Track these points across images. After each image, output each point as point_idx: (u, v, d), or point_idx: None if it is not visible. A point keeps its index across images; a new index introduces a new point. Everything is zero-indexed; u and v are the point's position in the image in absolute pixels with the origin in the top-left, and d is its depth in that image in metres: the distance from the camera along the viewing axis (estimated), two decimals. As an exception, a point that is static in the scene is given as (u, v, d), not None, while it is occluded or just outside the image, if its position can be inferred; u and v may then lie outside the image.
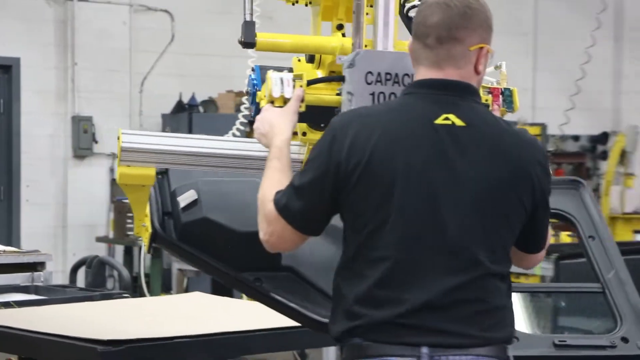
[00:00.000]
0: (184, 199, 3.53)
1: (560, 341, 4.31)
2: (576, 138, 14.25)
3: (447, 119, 2.80)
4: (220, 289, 9.22)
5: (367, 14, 3.30)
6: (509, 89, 3.36)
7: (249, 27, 3.46)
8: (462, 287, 2.76)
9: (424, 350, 2.70)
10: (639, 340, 4.25)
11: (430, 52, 2.85)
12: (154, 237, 3.48)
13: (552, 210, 4.19)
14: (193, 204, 3.53)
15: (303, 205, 2.77)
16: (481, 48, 2.86)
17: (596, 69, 13.51)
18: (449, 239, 2.78)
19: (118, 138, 3.31)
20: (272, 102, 3.14)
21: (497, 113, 3.26)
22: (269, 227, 2.83)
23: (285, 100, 3.12)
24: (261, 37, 3.43)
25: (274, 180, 2.88)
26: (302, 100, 3.13)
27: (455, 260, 2.78)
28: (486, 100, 3.25)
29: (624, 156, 13.93)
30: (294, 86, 3.15)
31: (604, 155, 14.27)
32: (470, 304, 2.78)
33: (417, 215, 2.78)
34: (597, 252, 4.39)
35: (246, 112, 7.89)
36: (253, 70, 3.34)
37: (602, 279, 4.33)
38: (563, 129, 13.38)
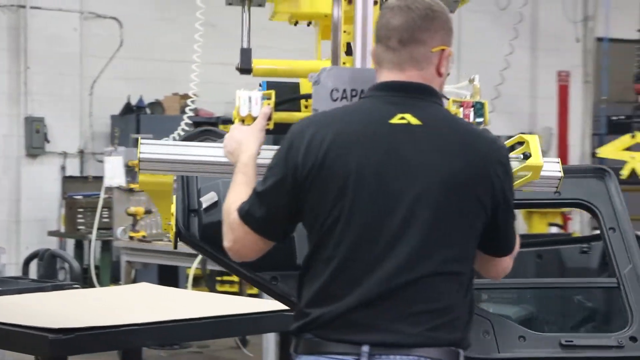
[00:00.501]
0: (205, 200, 3.48)
1: (567, 341, 4.02)
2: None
3: (402, 118, 2.71)
4: (166, 280, 9.22)
5: (344, 31, 3.25)
6: (480, 102, 3.25)
7: (245, 54, 3.39)
8: (409, 285, 2.64)
9: (364, 348, 2.60)
10: None
11: (393, 55, 2.77)
12: (177, 235, 3.45)
13: (575, 200, 4.18)
14: (214, 205, 3.46)
15: (265, 210, 2.68)
16: (443, 50, 2.79)
17: (514, 75, 13.74)
18: (398, 237, 2.66)
19: (137, 147, 3.22)
20: (242, 120, 3.07)
21: None
22: (233, 234, 2.73)
23: (254, 119, 3.04)
24: (257, 63, 3.39)
25: (238, 192, 2.78)
26: (270, 118, 3.05)
27: (404, 257, 2.65)
28: (456, 114, 3.13)
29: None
30: (262, 104, 3.07)
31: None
32: (417, 303, 2.65)
33: (368, 213, 2.68)
34: (616, 245, 4.05)
35: (191, 114, 7.89)
36: (260, 85, 3.24)
37: (619, 274, 4.00)
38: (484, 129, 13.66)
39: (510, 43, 13.17)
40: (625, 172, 10.16)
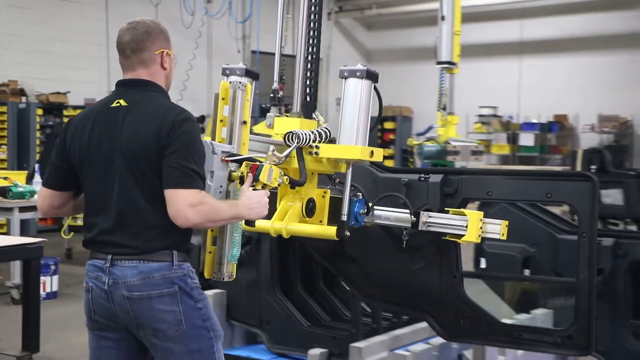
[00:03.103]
0: None
1: (518, 334, 3.90)
2: None
3: (118, 102, 2.92)
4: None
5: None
6: (262, 164, 3.05)
7: None
8: (126, 214, 2.83)
9: (109, 256, 2.87)
10: (582, 340, 3.70)
11: (127, 60, 2.98)
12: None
13: (564, 202, 4.10)
14: None
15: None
16: (162, 52, 3.00)
17: (196, 75, 15.35)
18: (116, 184, 2.85)
19: None
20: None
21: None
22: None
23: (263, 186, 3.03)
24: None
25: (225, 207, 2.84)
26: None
27: (121, 197, 2.84)
28: (242, 173, 2.97)
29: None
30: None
31: (203, 130, 14.60)
32: (134, 225, 2.83)
33: (95, 169, 2.91)
34: (583, 250, 3.70)
35: None
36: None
37: (577, 277, 3.72)
38: None
39: (192, 52, 15.16)
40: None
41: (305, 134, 3.43)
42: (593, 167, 14.18)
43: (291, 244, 5.56)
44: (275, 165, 3.15)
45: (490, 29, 17.50)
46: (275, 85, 3.65)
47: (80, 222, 12.46)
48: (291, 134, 3.41)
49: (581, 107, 16.52)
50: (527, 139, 16.55)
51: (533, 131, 16.59)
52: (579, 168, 14.16)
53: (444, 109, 9.26)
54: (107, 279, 2.84)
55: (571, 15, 16.94)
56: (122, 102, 2.90)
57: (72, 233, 8.98)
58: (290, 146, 3.46)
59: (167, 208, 2.74)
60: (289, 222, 3.55)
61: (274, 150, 3.31)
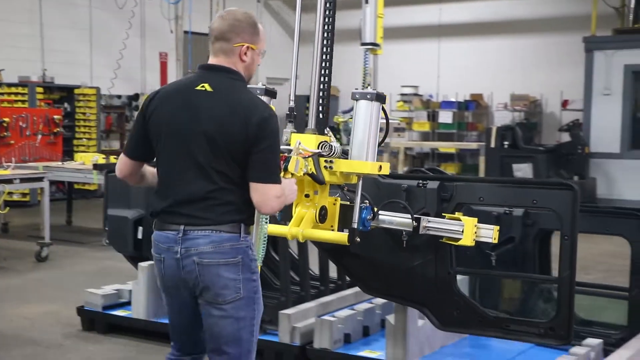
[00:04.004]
0: None
1: (506, 325, 4.10)
2: (119, 97, 15.38)
3: (202, 86, 2.99)
4: None
5: None
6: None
7: None
8: (202, 191, 2.96)
9: (181, 227, 2.98)
10: (562, 331, 3.90)
11: (212, 46, 3.08)
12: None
13: (548, 208, 4.08)
14: None
15: None
16: (242, 45, 3.05)
17: (130, 54, 15.24)
18: (195, 162, 2.96)
19: None
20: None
21: None
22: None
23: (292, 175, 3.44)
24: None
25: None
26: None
27: (198, 175, 2.95)
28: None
29: None
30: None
31: (137, 108, 15.22)
32: (209, 200, 2.96)
33: (174, 144, 2.99)
34: (565, 251, 3.88)
35: None
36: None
37: (559, 275, 3.91)
38: (110, 90, 14.99)
39: (126, 32, 15.00)
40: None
41: (334, 147, 3.74)
42: (506, 143, 14.54)
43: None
44: (302, 157, 3.49)
45: (411, 12, 17.62)
46: (292, 104, 3.86)
47: (15, 198, 12.41)
48: (324, 143, 3.71)
49: (495, 87, 16.84)
50: (446, 117, 16.72)
51: (451, 109, 16.77)
52: (493, 144, 14.53)
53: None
54: (179, 249, 2.96)
55: (486, 1, 17.21)
56: (207, 87, 2.98)
57: (7, 208, 8.80)
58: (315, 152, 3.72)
59: (252, 194, 2.92)
60: (304, 227, 3.77)
61: (301, 144, 3.58)
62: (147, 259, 5.61)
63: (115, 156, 10.70)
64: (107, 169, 6.59)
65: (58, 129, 12.57)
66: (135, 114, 15.30)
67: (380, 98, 3.75)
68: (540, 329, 4.00)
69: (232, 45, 3.04)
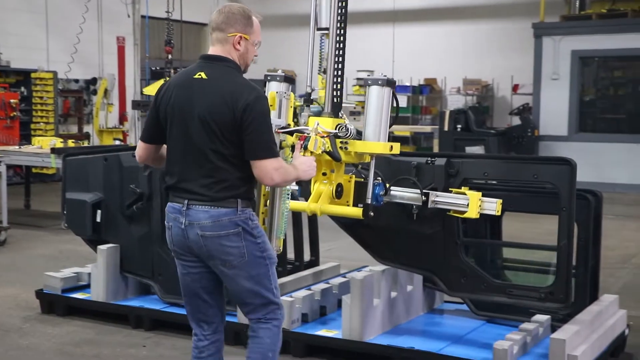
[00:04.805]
0: None
1: (509, 291, 4.37)
2: (77, 81, 15.22)
3: (199, 74, 3.22)
4: None
5: None
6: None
7: None
8: (201, 169, 3.18)
9: (185, 201, 3.23)
10: (561, 294, 4.15)
11: (210, 37, 3.31)
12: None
13: (548, 182, 4.25)
14: None
15: None
16: (235, 35, 3.25)
17: (87, 38, 15.04)
18: (193, 143, 3.19)
19: None
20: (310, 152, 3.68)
21: None
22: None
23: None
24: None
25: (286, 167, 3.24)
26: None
27: (197, 155, 3.18)
28: (292, 142, 3.65)
29: (106, 92, 15.30)
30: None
31: (94, 92, 15.39)
32: (207, 178, 3.18)
33: (176, 129, 3.24)
34: (562, 222, 4.11)
35: None
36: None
37: (558, 244, 4.14)
38: (67, 75, 14.79)
39: (83, 16, 14.76)
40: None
41: (350, 129, 3.96)
42: (459, 126, 14.68)
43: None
44: (320, 137, 3.72)
45: (366, -2, 17.68)
46: (308, 89, 4.10)
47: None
48: (341, 125, 3.93)
49: (448, 71, 16.96)
50: (401, 101, 16.64)
51: (406, 93, 16.85)
52: (446, 128, 14.65)
53: (325, 72, 9.35)
54: (184, 220, 3.22)
55: (439, -13, 17.30)
56: (203, 75, 3.20)
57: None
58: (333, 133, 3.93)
59: (253, 170, 3.14)
60: (322, 203, 4.02)
61: (319, 124, 3.83)
62: (105, 242, 5.59)
63: (73, 140, 10.69)
64: (65, 153, 6.51)
65: (15, 113, 12.38)
66: (94, 98, 15.41)
67: (390, 83, 3.95)
68: (540, 293, 4.24)
69: (227, 35, 3.24)
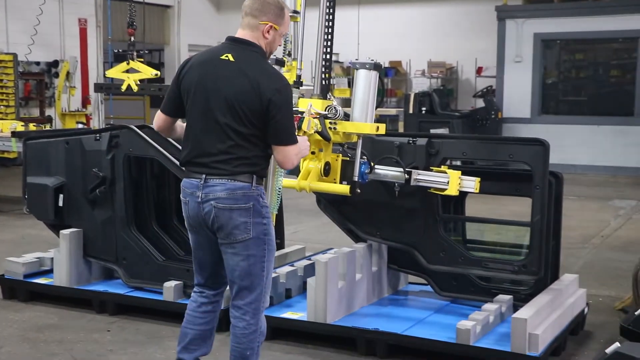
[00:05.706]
0: None
1: (485, 264, 4.59)
2: (38, 63, 14.95)
3: (226, 56, 3.34)
4: None
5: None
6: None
7: None
8: (222, 146, 3.32)
9: (203, 175, 3.36)
10: (534, 267, 4.38)
11: (242, 20, 3.42)
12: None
13: (521, 161, 4.41)
14: None
15: None
16: (266, 24, 3.38)
17: (48, 20, 14.70)
18: (217, 121, 3.31)
19: None
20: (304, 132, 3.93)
21: None
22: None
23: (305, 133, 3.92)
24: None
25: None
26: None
27: (219, 133, 3.31)
28: None
29: (68, 75, 15.03)
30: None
31: (56, 75, 15.14)
32: (227, 154, 3.32)
33: (199, 105, 3.36)
34: (536, 199, 4.32)
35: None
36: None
37: (531, 220, 4.36)
38: (28, 57, 14.46)
39: None
40: (123, 87, 10.92)
41: (338, 110, 4.17)
42: (423, 108, 14.73)
43: (144, 183, 5.55)
44: (313, 118, 3.95)
45: (331, -20, 17.49)
46: (299, 72, 4.31)
47: None
48: (330, 107, 4.14)
49: (413, 54, 16.95)
50: (365, 83, 16.73)
51: (371, 76, 16.82)
52: (411, 110, 14.68)
53: (289, 54, 9.31)
54: (200, 194, 3.36)
55: (404, -30, 17.25)
56: (230, 57, 3.32)
57: None
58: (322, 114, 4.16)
59: (275, 154, 3.34)
60: (311, 180, 4.25)
61: (312, 106, 4.05)
62: (68, 226, 5.53)
63: (34, 123, 10.50)
64: (26, 137, 6.31)
65: (-26, 96, 12.07)
66: (55, 80, 15.14)
67: (377, 67, 4.19)
68: (514, 266, 4.48)
69: (259, 22, 3.37)
